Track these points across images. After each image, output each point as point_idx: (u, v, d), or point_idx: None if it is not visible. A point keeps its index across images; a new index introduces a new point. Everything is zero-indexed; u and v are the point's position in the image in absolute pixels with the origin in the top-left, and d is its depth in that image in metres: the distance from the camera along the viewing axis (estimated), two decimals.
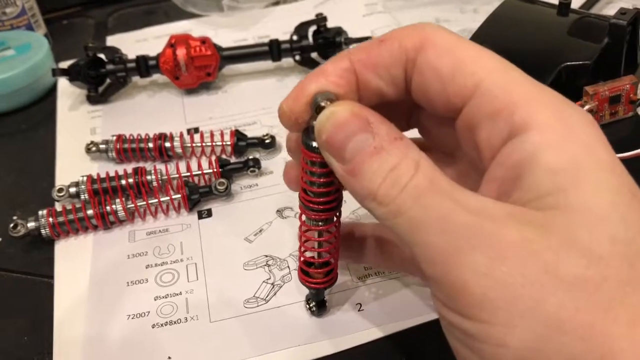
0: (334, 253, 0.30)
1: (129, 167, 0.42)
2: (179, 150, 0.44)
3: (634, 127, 0.41)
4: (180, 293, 0.35)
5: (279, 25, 0.59)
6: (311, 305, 0.32)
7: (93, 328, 0.33)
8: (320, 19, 0.51)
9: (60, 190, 0.41)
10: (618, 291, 0.19)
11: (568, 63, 0.41)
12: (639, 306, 0.19)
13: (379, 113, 0.24)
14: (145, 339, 0.33)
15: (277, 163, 0.44)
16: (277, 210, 0.40)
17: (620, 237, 0.20)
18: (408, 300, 0.33)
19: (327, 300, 0.32)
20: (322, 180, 0.27)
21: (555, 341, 0.19)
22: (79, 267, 0.37)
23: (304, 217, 0.29)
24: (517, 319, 0.19)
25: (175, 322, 0.33)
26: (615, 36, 0.41)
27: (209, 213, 0.40)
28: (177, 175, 0.41)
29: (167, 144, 0.44)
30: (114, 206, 0.39)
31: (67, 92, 0.53)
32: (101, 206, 0.39)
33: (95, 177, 0.41)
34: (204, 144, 0.44)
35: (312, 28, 0.51)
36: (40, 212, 0.38)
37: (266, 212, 0.40)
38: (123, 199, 0.39)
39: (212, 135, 0.44)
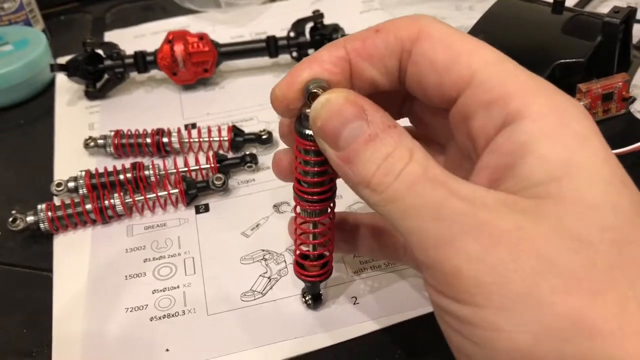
0: (329, 245, 0.31)
1: (127, 162, 0.42)
2: (177, 146, 0.44)
3: (626, 124, 0.41)
4: (178, 287, 0.35)
5: (276, 22, 0.60)
6: (307, 298, 0.33)
7: (92, 321, 0.34)
8: (317, 16, 0.51)
9: (58, 185, 0.41)
10: (607, 276, 0.20)
11: (562, 60, 0.41)
12: (628, 290, 0.19)
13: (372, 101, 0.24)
14: (143, 331, 0.33)
15: None
16: (274, 205, 0.40)
17: (610, 224, 0.20)
18: (403, 293, 0.34)
19: (322, 293, 0.33)
20: (316, 169, 0.27)
21: (547, 324, 0.19)
22: (77, 261, 0.37)
23: (298, 209, 0.29)
24: (510, 303, 0.20)
25: (173, 315, 0.34)
26: (608, 34, 0.41)
27: (207, 208, 0.41)
28: (174, 171, 0.41)
29: (165, 140, 0.44)
30: (112, 201, 0.39)
31: (65, 87, 0.53)
32: (99, 201, 0.39)
33: (94, 172, 0.41)
34: (201, 140, 0.44)
35: (309, 25, 0.52)
36: (39, 207, 0.39)
37: (263, 207, 0.40)
38: (121, 193, 0.39)
39: (209, 130, 0.44)
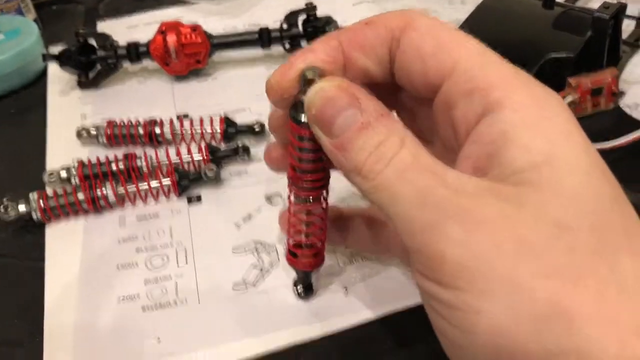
0: (322, 234, 0.31)
1: (119, 153, 0.42)
2: (169, 136, 0.44)
3: (615, 119, 0.42)
4: (170, 277, 0.36)
5: (269, 14, 0.60)
6: (298, 288, 0.33)
7: (84, 311, 0.34)
8: (310, 8, 0.51)
9: (51, 174, 0.41)
10: (587, 261, 0.20)
11: (552, 55, 0.42)
12: (607, 275, 0.20)
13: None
14: (135, 321, 0.33)
15: None
16: (266, 197, 0.40)
17: (590, 211, 0.21)
18: (394, 284, 0.34)
19: (313, 283, 0.33)
20: (310, 155, 0.27)
21: (527, 308, 0.20)
22: (69, 250, 0.38)
23: (292, 197, 0.30)
24: (491, 287, 0.20)
25: (164, 305, 0.34)
26: (598, 29, 0.42)
27: (199, 199, 0.41)
28: (167, 161, 0.42)
29: (157, 130, 0.44)
30: (104, 191, 0.39)
31: (58, 77, 0.53)
32: (92, 190, 0.39)
33: (86, 161, 0.41)
34: (193, 131, 0.44)
35: (302, 17, 0.52)
36: (31, 196, 0.39)
37: (255, 198, 0.40)
38: (113, 183, 0.40)
39: (201, 121, 0.45)
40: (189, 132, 0.44)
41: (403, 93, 0.29)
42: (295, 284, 0.33)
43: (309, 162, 0.27)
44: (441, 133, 0.27)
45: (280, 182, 0.40)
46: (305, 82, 0.25)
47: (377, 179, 0.23)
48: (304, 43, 0.52)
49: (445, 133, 0.26)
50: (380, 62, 0.27)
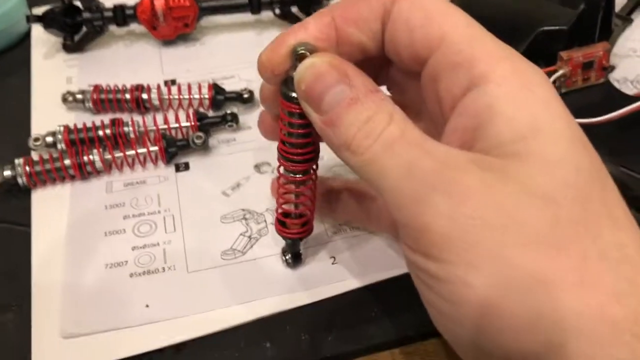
0: (311, 205, 0.31)
1: (106, 118, 0.42)
2: (156, 102, 0.44)
3: (605, 93, 0.42)
4: (158, 244, 0.36)
5: None
6: (287, 257, 0.33)
7: (71, 276, 0.34)
8: None
9: (36, 139, 0.40)
10: (570, 231, 0.21)
11: (545, 28, 0.41)
12: (589, 245, 0.20)
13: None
14: (123, 287, 0.33)
15: (255, 118, 0.42)
16: (255, 166, 0.40)
17: (573, 181, 0.21)
18: (380, 254, 0.34)
19: (302, 252, 0.33)
20: (300, 131, 0.27)
21: (511, 279, 0.20)
22: (56, 216, 0.37)
23: (282, 169, 0.30)
24: (476, 259, 0.21)
25: (153, 272, 0.34)
26: (591, 2, 0.42)
27: (187, 166, 0.40)
28: (154, 128, 0.41)
29: (145, 96, 0.44)
30: (91, 157, 0.39)
31: (42, 39, 0.52)
32: (78, 156, 0.39)
33: (72, 127, 0.41)
34: (181, 97, 0.44)
35: None
36: (16, 161, 0.38)
37: (244, 166, 0.40)
38: (100, 150, 0.39)
39: (189, 88, 0.44)
40: (177, 98, 0.44)
41: (394, 67, 0.29)
42: (284, 253, 0.34)
43: (298, 136, 0.28)
44: (429, 107, 0.27)
45: (269, 151, 0.40)
46: (297, 57, 0.25)
47: (366, 154, 0.23)
48: (294, 9, 0.51)
49: (432, 107, 0.27)
50: (374, 36, 0.27)
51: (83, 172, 0.39)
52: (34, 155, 0.40)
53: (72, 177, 0.39)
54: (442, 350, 0.31)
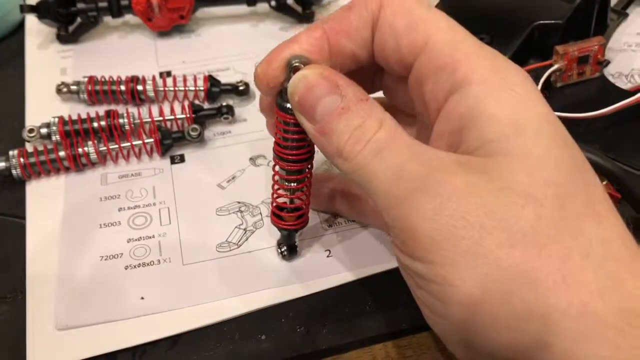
0: (306, 199, 0.31)
1: (101, 110, 0.42)
2: (152, 94, 0.44)
3: (600, 87, 0.42)
4: (153, 236, 0.36)
5: None
6: (282, 249, 0.33)
7: (66, 268, 0.34)
8: None
9: (30, 130, 0.40)
10: (551, 230, 0.21)
11: (540, 22, 0.41)
12: (571, 243, 0.21)
13: (348, 77, 0.26)
14: (118, 280, 0.33)
15: (250, 111, 0.44)
16: (250, 158, 0.40)
17: (554, 180, 0.22)
18: (375, 247, 0.34)
19: (297, 245, 0.34)
20: (295, 137, 0.28)
21: (494, 278, 0.21)
22: (51, 208, 0.37)
23: (277, 167, 0.30)
24: (460, 259, 0.21)
25: (148, 264, 0.34)
26: None
27: (182, 158, 0.40)
28: (149, 120, 0.41)
29: (140, 87, 0.43)
30: (86, 149, 0.39)
31: (36, 30, 0.51)
32: (73, 148, 0.38)
33: (67, 118, 0.41)
34: (176, 89, 0.44)
35: None
36: (10, 152, 0.38)
37: (239, 159, 0.40)
38: (95, 141, 0.39)
39: (185, 79, 0.44)
40: (172, 90, 0.44)
41: (386, 73, 0.30)
42: (279, 245, 0.34)
43: (293, 141, 0.28)
44: (418, 110, 0.28)
45: (264, 143, 0.40)
46: (291, 70, 0.26)
47: (356, 159, 0.24)
48: (289, 1, 0.51)
49: (420, 110, 0.27)
50: (365, 44, 0.27)
51: (78, 163, 0.39)
52: (29, 147, 0.40)
53: (67, 169, 0.39)
54: (435, 344, 0.31)
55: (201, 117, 0.42)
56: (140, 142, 0.40)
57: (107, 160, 0.40)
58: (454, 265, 0.21)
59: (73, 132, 0.40)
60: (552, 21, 0.41)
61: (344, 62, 0.28)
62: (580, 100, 0.40)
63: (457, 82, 0.24)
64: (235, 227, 0.36)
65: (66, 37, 0.50)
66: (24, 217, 0.37)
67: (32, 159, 0.38)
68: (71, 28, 0.50)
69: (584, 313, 0.20)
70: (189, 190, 0.38)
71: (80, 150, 0.38)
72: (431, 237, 0.22)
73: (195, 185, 0.39)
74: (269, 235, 0.35)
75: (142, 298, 0.32)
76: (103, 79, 0.44)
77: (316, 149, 0.29)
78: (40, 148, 0.39)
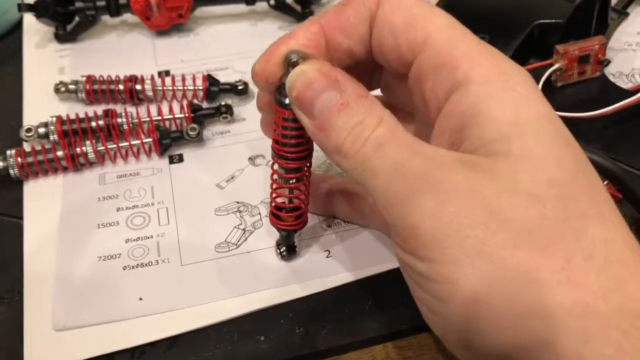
0: (305, 199, 0.31)
1: (99, 109, 0.42)
2: (150, 93, 0.44)
3: (600, 87, 0.42)
4: (152, 236, 0.35)
5: None
6: (281, 250, 0.33)
7: (64, 269, 0.34)
8: None
9: (28, 130, 0.40)
10: (555, 230, 0.21)
11: (541, 21, 0.41)
12: (574, 243, 0.21)
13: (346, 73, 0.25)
14: (116, 280, 0.33)
15: (249, 110, 0.44)
16: (249, 158, 0.40)
17: (557, 179, 0.21)
18: (374, 247, 0.34)
19: (296, 245, 0.33)
20: (293, 133, 0.28)
21: (498, 278, 0.21)
22: (48, 208, 0.37)
23: (275, 166, 0.30)
24: (464, 258, 0.21)
25: (146, 265, 0.34)
26: None
27: (181, 158, 0.40)
28: (148, 119, 0.41)
29: (138, 87, 0.43)
30: (84, 148, 0.38)
31: (34, 29, 0.51)
32: (71, 147, 0.38)
33: (65, 118, 0.40)
34: (175, 88, 0.44)
35: None
36: (8, 152, 0.38)
37: (238, 159, 0.40)
38: (93, 141, 0.39)
39: (183, 79, 0.44)
40: (171, 89, 0.44)
41: (386, 71, 0.30)
42: (278, 246, 0.34)
43: (292, 137, 0.28)
44: (418, 108, 0.28)
45: (263, 143, 0.40)
46: (289, 65, 0.26)
47: (356, 156, 0.24)
48: (288, 0, 0.51)
49: (420, 108, 0.27)
50: (362, 41, 0.27)
51: (76, 163, 0.38)
52: (26, 146, 0.39)
53: (65, 169, 0.39)
54: (435, 344, 0.31)
55: (200, 117, 0.42)
56: (138, 141, 0.39)
57: (105, 160, 0.40)
58: (457, 264, 0.21)
59: (71, 132, 0.40)
60: (553, 20, 0.41)
61: (341, 57, 0.27)
62: (580, 99, 0.40)
63: (458, 81, 0.24)
64: (234, 227, 0.36)
65: (64, 36, 0.50)
66: (21, 217, 0.37)
67: (30, 159, 0.38)
68: (69, 27, 0.50)
69: (587, 314, 0.20)
70: (187, 190, 0.38)
71: (78, 149, 0.38)
72: (433, 235, 0.21)
73: (193, 185, 0.38)
74: (268, 236, 0.35)
75: (141, 299, 0.32)
76: (101, 78, 0.44)
77: (315, 147, 0.29)
78: (38, 148, 0.38)
